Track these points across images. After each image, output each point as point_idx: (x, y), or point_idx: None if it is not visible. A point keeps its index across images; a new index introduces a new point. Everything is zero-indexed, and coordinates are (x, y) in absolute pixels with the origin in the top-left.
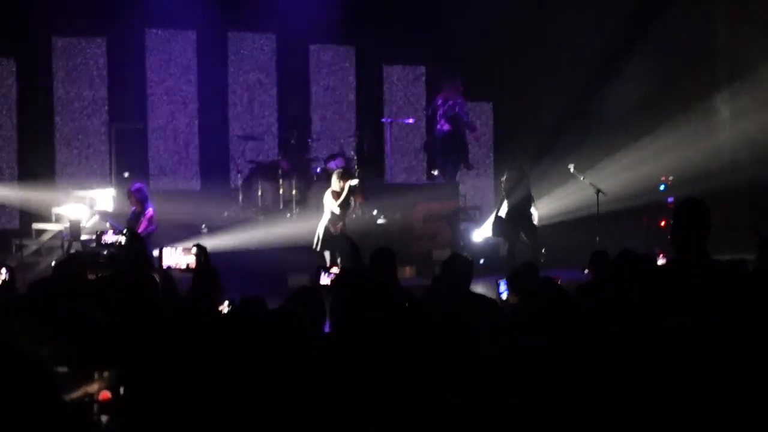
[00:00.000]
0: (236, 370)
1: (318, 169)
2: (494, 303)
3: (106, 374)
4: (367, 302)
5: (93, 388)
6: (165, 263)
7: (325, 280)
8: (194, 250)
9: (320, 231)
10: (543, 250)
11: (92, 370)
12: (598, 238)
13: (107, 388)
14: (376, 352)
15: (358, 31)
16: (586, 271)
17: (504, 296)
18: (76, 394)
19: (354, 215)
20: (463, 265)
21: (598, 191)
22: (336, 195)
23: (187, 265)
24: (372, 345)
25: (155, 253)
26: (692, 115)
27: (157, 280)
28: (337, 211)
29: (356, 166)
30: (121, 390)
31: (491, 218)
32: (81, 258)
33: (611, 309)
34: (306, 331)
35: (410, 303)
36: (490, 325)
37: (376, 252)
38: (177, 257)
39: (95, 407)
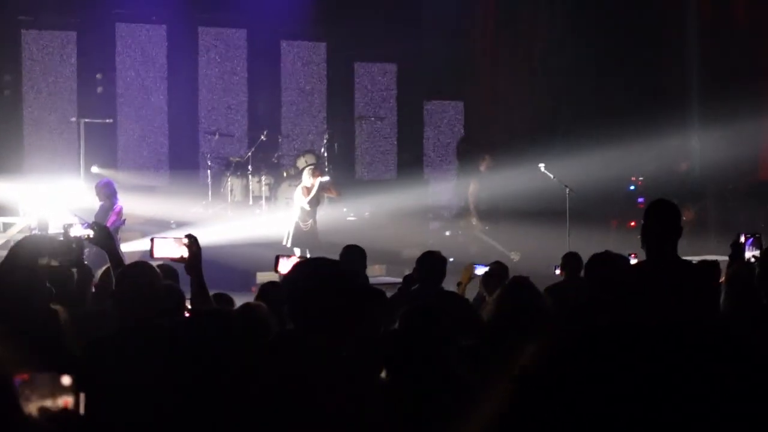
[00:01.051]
0: (201, 368)
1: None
2: (467, 301)
3: (66, 380)
4: (333, 292)
5: (53, 395)
6: (157, 254)
7: (284, 267)
8: (185, 240)
9: (291, 227)
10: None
11: (52, 375)
12: (568, 238)
13: (67, 394)
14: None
15: (330, 28)
16: (558, 272)
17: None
18: (36, 403)
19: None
20: (438, 262)
21: (568, 189)
22: (306, 191)
23: (181, 255)
24: (335, 338)
25: (128, 244)
26: (663, 115)
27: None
28: (307, 207)
29: (327, 163)
30: (81, 397)
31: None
32: (33, 242)
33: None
34: (269, 327)
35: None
36: (464, 323)
37: (345, 249)
38: (168, 247)
39: (55, 416)
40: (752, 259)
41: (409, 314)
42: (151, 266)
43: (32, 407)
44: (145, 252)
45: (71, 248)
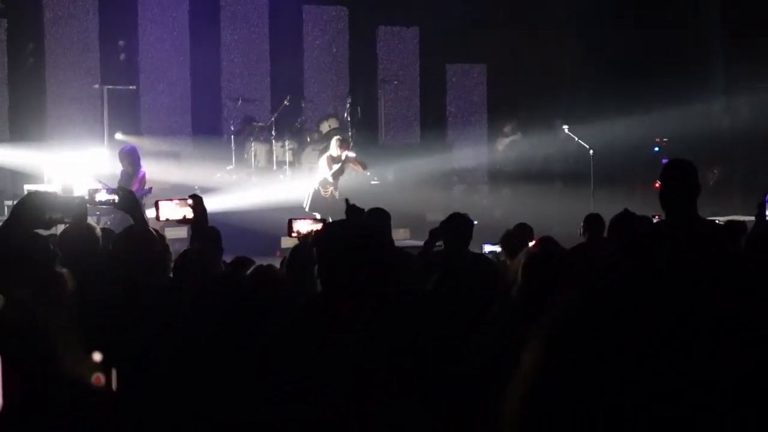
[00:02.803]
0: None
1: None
2: (493, 263)
3: (97, 356)
4: (364, 253)
5: (87, 369)
6: (162, 216)
7: (300, 227)
8: (190, 201)
9: (310, 192)
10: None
11: (83, 354)
12: (592, 200)
13: (99, 371)
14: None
15: None
16: (581, 235)
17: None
18: (70, 374)
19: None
20: (464, 224)
21: (592, 151)
22: (332, 160)
23: (184, 216)
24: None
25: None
26: (687, 76)
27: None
28: (331, 179)
29: (350, 127)
30: (113, 373)
31: None
32: (35, 200)
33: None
34: (283, 289)
35: (406, 263)
36: (490, 285)
37: (370, 212)
38: (173, 209)
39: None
40: None
41: (442, 277)
42: (145, 231)
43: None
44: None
45: (74, 204)
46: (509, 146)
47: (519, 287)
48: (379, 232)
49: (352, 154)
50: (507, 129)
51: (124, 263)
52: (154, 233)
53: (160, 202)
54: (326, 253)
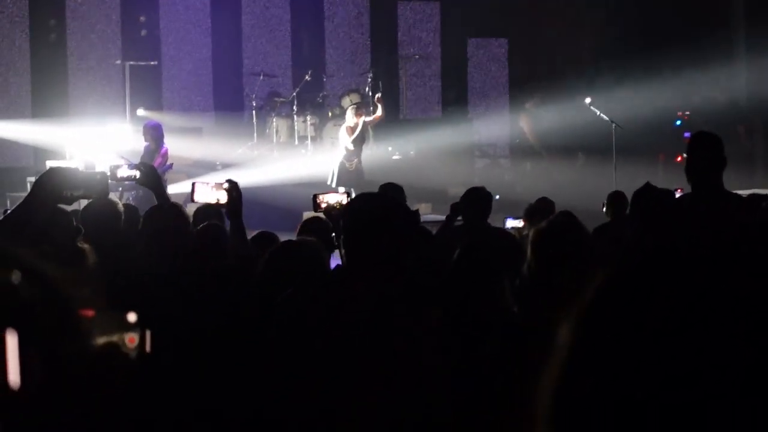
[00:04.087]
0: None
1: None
2: (514, 238)
3: (131, 317)
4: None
5: (119, 332)
6: (197, 198)
7: (327, 200)
8: (226, 185)
9: (335, 167)
10: None
11: (118, 312)
12: (615, 174)
13: (133, 331)
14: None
15: None
16: (604, 211)
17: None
18: (102, 339)
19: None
20: (482, 197)
21: (614, 125)
22: (350, 130)
23: (218, 200)
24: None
25: (174, 186)
26: (709, 45)
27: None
28: (352, 147)
29: (371, 102)
30: (148, 335)
31: None
32: (55, 175)
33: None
34: (318, 260)
35: (426, 238)
36: (511, 259)
37: (383, 187)
38: (208, 192)
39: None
40: None
41: (463, 252)
42: (176, 209)
43: (98, 343)
44: (188, 195)
45: (95, 180)
46: (532, 120)
47: (528, 262)
48: (399, 205)
49: (369, 118)
50: (529, 104)
51: (157, 241)
52: (181, 209)
53: (196, 184)
54: (350, 225)
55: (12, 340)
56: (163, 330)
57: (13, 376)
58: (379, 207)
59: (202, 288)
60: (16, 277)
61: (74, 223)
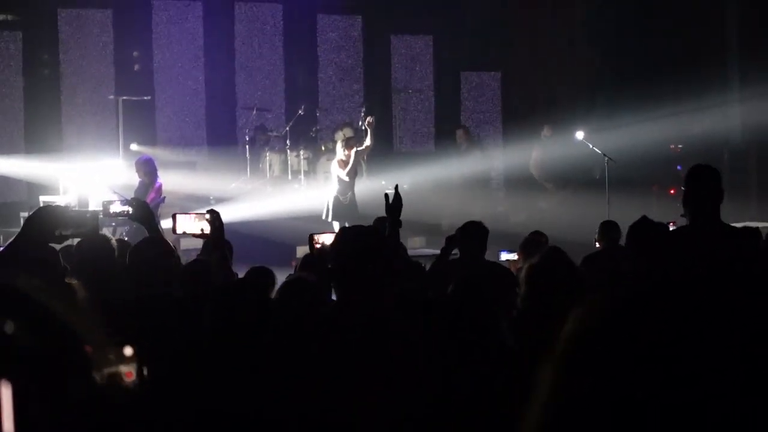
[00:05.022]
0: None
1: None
2: (509, 271)
3: (128, 350)
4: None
5: (117, 365)
6: (179, 229)
7: (323, 240)
8: (208, 215)
9: (330, 201)
10: None
11: (114, 346)
12: (608, 207)
13: (130, 365)
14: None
15: (366, 1)
16: (597, 245)
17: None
18: (103, 373)
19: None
20: (479, 232)
21: (607, 158)
22: (342, 163)
23: (201, 230)
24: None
25: (168, 221)
26: (702, 83)
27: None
28: (346, 179)
29: (365, 136)
30: (144, 369)
31: None
32: (47, 214)
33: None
34: (316, 298)
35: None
36: (507, 293)
37: (377, 220)
38: (190, 223)
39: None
40: None
41: (459, 285)
42: (158, 241)
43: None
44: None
45: (85, 218)
46: (543, 149)
47: (522, 296)
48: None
49: (360, 148)
50: (545, 131)
51: (141, 274)
52: (170, 244)
53: (177, 215)
54: (339, 256)
55: (6, 392)
56: (159, 341)
57: (8, 426)
58: (370, 235)
59: (195, 300)
60: (9, 327)
61: (61, 262)
